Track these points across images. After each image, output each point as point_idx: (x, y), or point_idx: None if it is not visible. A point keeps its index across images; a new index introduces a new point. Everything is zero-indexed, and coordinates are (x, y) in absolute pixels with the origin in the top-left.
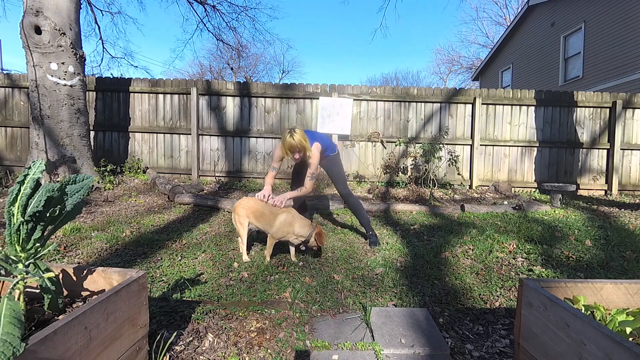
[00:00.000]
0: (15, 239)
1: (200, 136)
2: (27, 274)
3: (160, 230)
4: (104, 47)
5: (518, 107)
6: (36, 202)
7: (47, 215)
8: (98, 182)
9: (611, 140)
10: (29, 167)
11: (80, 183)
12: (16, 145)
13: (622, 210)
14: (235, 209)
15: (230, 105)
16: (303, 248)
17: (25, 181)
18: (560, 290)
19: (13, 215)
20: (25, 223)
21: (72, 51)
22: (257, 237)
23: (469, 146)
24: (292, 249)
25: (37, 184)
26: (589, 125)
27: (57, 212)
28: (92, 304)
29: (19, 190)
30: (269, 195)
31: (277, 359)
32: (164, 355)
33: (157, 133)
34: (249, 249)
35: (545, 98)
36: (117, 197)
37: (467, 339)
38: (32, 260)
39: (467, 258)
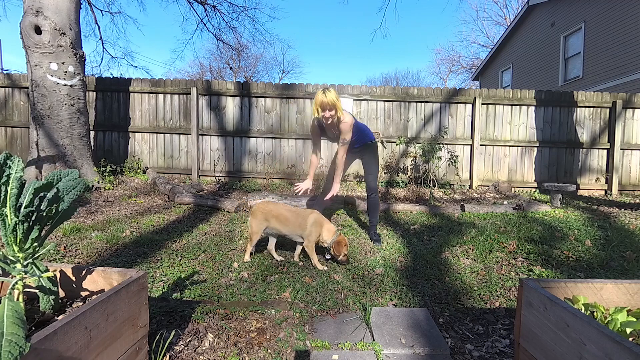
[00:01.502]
0: (12, 239)
1: (200, 136)
2: (25, 274)
3: (160, 230)
4: (103, 47)
5: (518, 107)
6: (26, 202)
7: (44, 214)
8: (98, 182)
9: (611, 140)
10: (9, 167)
11: (75, 181)
12: (16, 145)
13: (622, 210)
14: (254, 212)
15: (230, 105)
16: (328, 257)
17: (10, 181)
18: (560, 290)
19: (7, 216)
20: (20, 223)
21: (72, 51)
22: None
23: (469, 146)
24: (298, 249)
25: (22, 183)
26: (589, 125)
27: (54, 211)
28: (92, 304)
29: (6, 190)
30: (307, 189)
31: (277, 359)
32: (164, 355)
33: (157, 133)
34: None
35: (545, 98)
36: (117, 197)
37: (467, 339)
38: (30, 260)
39: (467, 258)
